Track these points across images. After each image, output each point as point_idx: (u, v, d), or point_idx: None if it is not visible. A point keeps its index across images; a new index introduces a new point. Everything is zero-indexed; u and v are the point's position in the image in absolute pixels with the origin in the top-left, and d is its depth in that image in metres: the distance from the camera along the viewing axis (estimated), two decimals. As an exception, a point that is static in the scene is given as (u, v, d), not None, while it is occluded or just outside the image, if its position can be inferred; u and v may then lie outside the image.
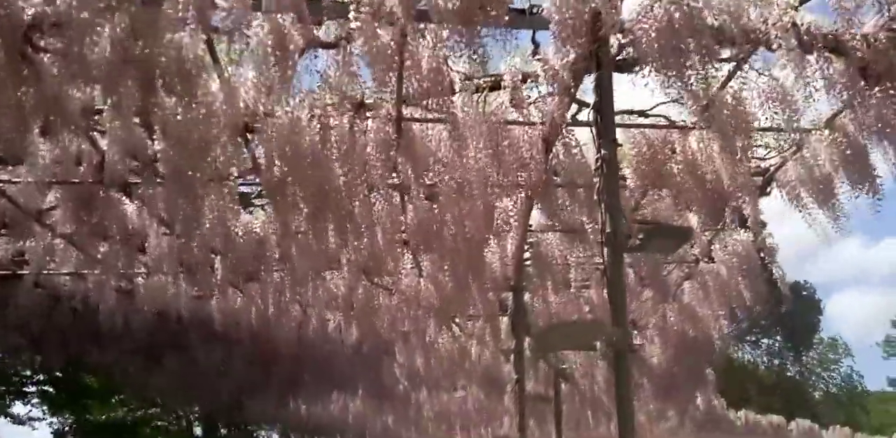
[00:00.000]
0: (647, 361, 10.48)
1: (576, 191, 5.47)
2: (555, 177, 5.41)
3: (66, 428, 21.56)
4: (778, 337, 37.37)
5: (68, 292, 7.91)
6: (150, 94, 3.98)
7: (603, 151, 4.03)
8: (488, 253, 6.76)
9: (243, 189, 6.32)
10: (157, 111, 4.19)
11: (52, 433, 21.42)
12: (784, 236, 9.95)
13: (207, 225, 5.66)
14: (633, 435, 3.74)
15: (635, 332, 9.57)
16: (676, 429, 15.04)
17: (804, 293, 34.47)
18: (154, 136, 4.59)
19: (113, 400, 20.95)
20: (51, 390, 19.74)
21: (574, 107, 4.87)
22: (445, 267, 6.81)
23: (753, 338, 36.55)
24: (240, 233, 6.29)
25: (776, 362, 38.18)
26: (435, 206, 5.83)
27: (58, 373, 17.50)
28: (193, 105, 4.16)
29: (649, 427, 15.09)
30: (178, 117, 4.24)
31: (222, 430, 23.90)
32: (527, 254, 7.12)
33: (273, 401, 13.66)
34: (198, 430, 23.93)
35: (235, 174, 5.31)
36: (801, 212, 5.25)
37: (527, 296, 7.99)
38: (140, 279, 7.66)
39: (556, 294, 8.00)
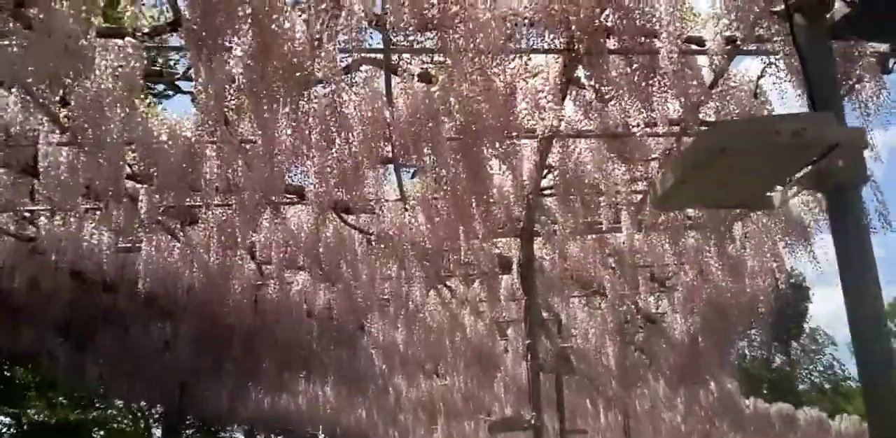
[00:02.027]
0: (666, 332, 8.94)
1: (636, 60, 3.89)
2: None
3: (3, 430, 19.30)
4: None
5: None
6: None
7: None
8: (499, 175, 5.17)
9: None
10: None
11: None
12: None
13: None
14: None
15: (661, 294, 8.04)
16: (685, 417, 13.59)
17: (792, 280, 33.38)
18: None
19: (61, 400, 18.90)
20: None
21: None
22: (439, 195, 5.20)
23: (740, 328, 35.35)
24: (165, 141, 4.62)
25: (762, 352, 37.21)
26: (433, 89, 4.23)
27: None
28: None
29: (655, 413, 13.65)
30: None
31: (186, 431, 21.91)
32: (546, 181, 5.50)
33: (231, 393, 11.84)
34: (157, 432, 21.94)
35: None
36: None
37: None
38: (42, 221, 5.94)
39: (574, 241, 6.44)
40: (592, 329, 8.70)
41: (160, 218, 5.74)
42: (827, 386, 38.51)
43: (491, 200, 5.15)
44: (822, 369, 39.87)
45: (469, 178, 4.84)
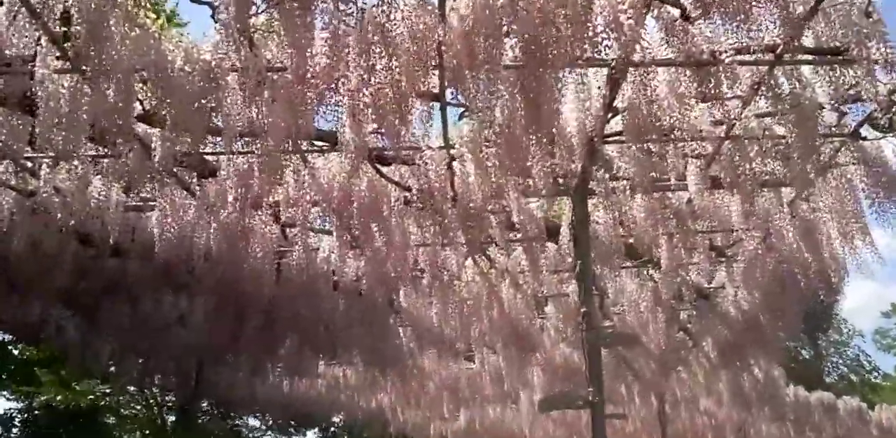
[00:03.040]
0: (718, 309, 8.27)
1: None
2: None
3: (13, 414, 18.85)
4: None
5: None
6: None
7: None
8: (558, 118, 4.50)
9: None
10: None
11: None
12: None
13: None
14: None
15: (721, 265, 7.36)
16: (723, 404, 12.91)
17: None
18: None
19: (75, 386, 18.43)
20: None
21: None
22: (490, 139, 4.55)
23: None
24: (180, 67, 3.99)
25: (791, 344, 36.35)
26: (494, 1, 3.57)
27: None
28: None
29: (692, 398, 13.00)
30: None
31: (201, 418, 21.39)
32: (611, 125, 4.83)
33: (249, 374, 11.23)
34: (170, 418, 21.43)
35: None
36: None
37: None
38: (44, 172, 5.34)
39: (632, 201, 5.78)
40: (638, 305, 8.05)
41: (175, 169, 5.13)
42: (854, 379, 37.65)
43: (550, 146, 4.50)
44: (849, 361, 39.07)
45: (528, 116, 4.20)
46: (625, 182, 5.54)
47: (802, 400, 14.99)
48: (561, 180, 5.37)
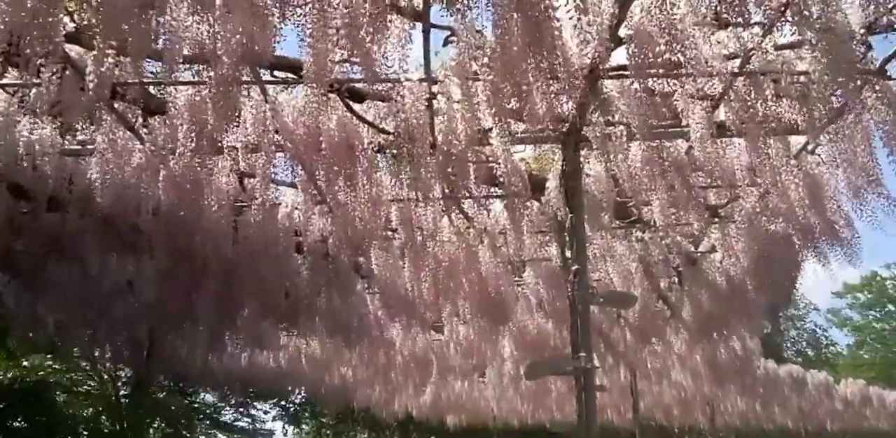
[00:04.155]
0: (704, 276, 7.84)
1: None
2: None
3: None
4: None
5: None
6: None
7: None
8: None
9: None
10: None
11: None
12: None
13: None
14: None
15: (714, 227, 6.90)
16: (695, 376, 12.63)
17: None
18: None
19: (23, 363, 17.54)
20: None
21: None
22: (479, 67, 3.98)
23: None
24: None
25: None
26: None
27: None
28: None
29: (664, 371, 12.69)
30: None
31: (156, 395, 20.64)
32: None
33: (204, 348, 10.56)
34: (126, 396, 20.62)
35: None
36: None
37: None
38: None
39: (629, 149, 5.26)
40: (621, 269, 7.58)
41: (116, 104, 4.47)
42: (811, 354, 38.11)
43: (548, 79, 3.94)
44: (806, 336, 39.59)
45: (523, 41, 3.64)
46: (622, 128, 5.01)
47: (772, 374, 14.84)
48: (552, 125, 4.83)
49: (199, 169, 5.07)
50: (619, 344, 10.46)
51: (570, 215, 4.95)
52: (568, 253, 5.73)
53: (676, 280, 8.36)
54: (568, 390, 12.33)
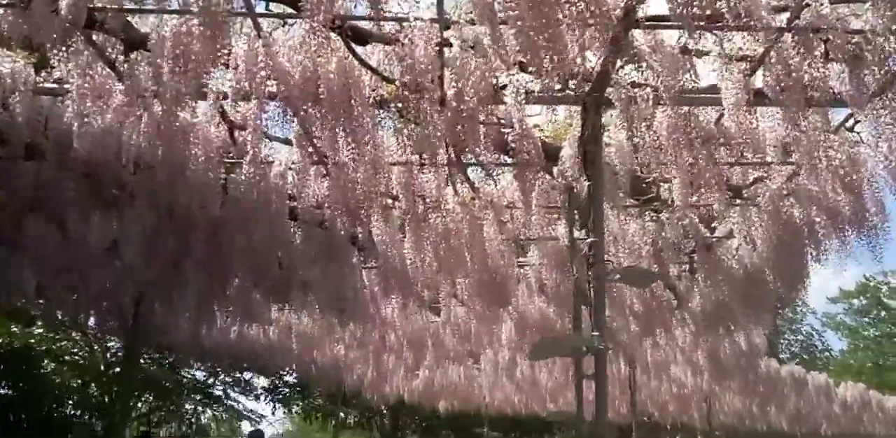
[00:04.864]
0: (719, 260, 7.39)
1: None
2: None
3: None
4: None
5: None
6: None
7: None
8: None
9: None
10: None
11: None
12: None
13: None
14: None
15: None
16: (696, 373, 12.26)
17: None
18: None
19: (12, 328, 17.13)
20: None
21: None
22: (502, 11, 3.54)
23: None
24: None
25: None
26: None
27: None
28: None
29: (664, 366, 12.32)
30: None
31: (149, 367, 20.22)
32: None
33: (191, 317, 10.14)
34: (115, 367, 20.22)
35: None
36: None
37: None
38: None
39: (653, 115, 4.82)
40: (625, 252, 7.12)
41: (94, 36, 4.04)
42: (806, 357, 37.83)
43: (577, 24, 3.50)
44: (801, 339, 39.36)
45: None
46: (648, 90, 4.57)
47: (774, 373, 14.45)
48: (574, 83, 4.40)
49: (183, 115, 4.63)
50: (619, 334, 10.03)
51: (588, 183, 4.51)
52: (577, 233, 5.35)
53: (688, 267, 7.93)
54: (565, 379, 11.97)
